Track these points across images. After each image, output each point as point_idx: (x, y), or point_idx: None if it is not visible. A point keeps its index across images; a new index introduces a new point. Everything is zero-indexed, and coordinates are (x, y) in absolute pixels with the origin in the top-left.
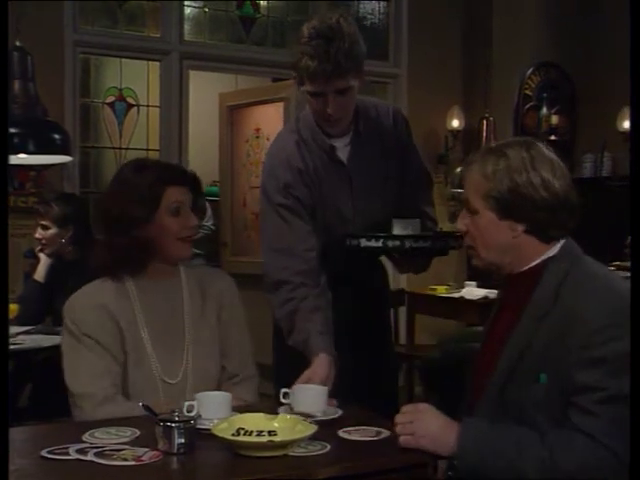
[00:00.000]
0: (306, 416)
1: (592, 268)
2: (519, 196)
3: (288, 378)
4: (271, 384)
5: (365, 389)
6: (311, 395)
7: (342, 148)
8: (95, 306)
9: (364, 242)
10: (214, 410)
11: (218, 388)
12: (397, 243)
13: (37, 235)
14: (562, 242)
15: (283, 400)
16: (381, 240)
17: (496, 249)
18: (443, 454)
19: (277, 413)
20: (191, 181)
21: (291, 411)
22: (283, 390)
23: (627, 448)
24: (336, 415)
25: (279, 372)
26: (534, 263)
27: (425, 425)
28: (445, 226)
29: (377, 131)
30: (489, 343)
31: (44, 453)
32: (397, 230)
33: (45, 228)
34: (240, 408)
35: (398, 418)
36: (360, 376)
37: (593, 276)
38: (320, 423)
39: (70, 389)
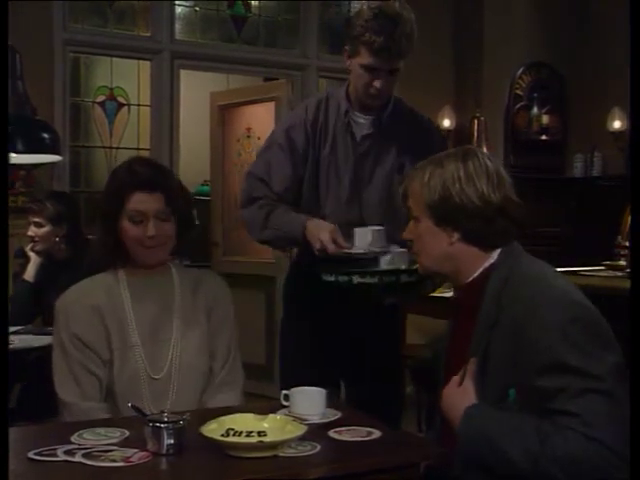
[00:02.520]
0: (304, 419)
1: (528, 272)
2: (451, 204)
3: (292, 378)
4: (263, 384)
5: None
6: (309, 397)
7: (361, 124)
8: (86, 306)
9: (326, 276)
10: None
11: (204, 387)
12: (345, 278)
13: (30, 232)
14: (502, 248)
15: (284, 402)
16: (334, 275)
17: (435, 257)
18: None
19: (269, 413)
20: (170, 189)
21: (290, 413)
22: (283, 392)
23: (620, 439)
24: (335, 417)
25: (284, 372)
26: (478, 272)
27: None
28: None
29: (402, 126)
30: (453, 351)
31: (32, 455)
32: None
33: (39, 226)
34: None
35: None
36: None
37: (528, 283)
38: (315, 425)
39: (57, 393)
